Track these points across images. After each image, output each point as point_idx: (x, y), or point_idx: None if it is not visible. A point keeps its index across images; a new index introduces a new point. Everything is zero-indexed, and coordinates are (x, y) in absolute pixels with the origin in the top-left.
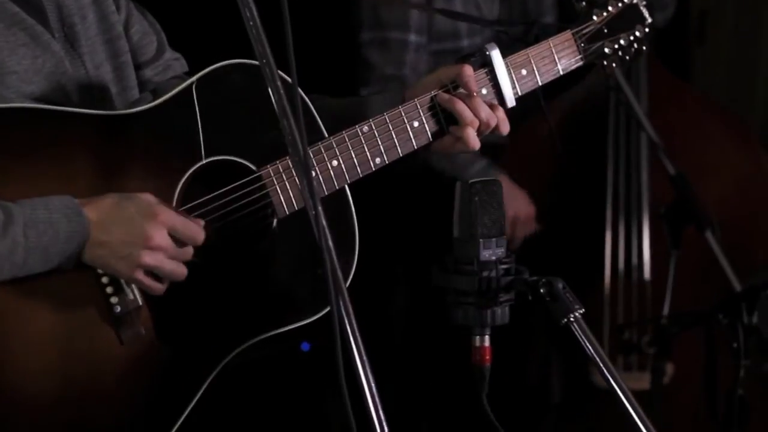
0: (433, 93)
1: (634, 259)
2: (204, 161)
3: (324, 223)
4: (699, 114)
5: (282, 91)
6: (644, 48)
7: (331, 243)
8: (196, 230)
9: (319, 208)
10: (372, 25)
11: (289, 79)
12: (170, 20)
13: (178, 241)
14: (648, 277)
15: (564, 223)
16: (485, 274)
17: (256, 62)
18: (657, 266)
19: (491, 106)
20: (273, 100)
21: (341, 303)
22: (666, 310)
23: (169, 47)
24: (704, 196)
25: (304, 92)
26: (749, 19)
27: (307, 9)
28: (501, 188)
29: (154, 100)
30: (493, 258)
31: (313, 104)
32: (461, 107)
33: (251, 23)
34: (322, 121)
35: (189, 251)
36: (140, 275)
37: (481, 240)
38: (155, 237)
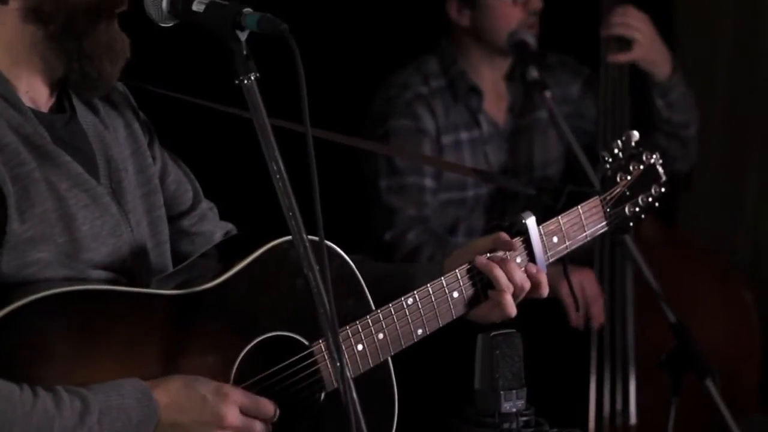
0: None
1: (619, 404)
2: (260, 338)
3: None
4: (685, 260)
5: (308, 244)
6: (657, 205)
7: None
8: (266, 407)
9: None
10: (389, 172)
11: (316, 239)
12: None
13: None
14: (633, 421)
15: (550, 365)
16: (506, 426)
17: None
18: (645, 412)
19: (528, 269)
20: (300, 254)
21: None
22: None
23: (204, 197)
24: None
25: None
26: (734, 165)
27: (328, 161)
28: (521, 340)
29: (200, 262)
30: (514, 410)
31: (355, 265)
32: (498, 272)
33: (278, 176)
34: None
35: (259, 427)
36: None
37: (502, 392)
38: (229, 416)
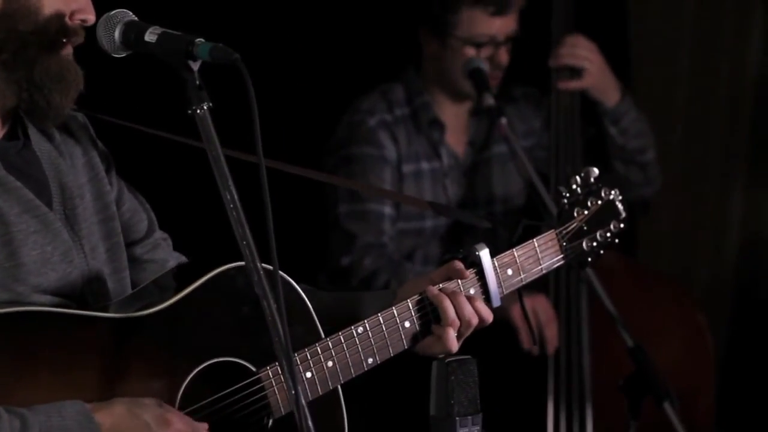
0: (424, 292)
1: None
2: (206, 363)
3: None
4: (641, 284)
5: (261, 273)
6: (616, 241)
7: None
8: None
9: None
10: (349, 198)
11: (270, 267)
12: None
13: None
14: None
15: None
16: None
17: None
18: None
19: (470, 299)
20: (252, 281)
21: None
22: None
23: (160, 228)
24: None
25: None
26: (692, 192)
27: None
28: (476, 367)
29: (155, 290)
30: None
31: (305, 293)
32: (446, 304)
33: (232, 206)
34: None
35: None
36: None
37: (457, 418)
38: None
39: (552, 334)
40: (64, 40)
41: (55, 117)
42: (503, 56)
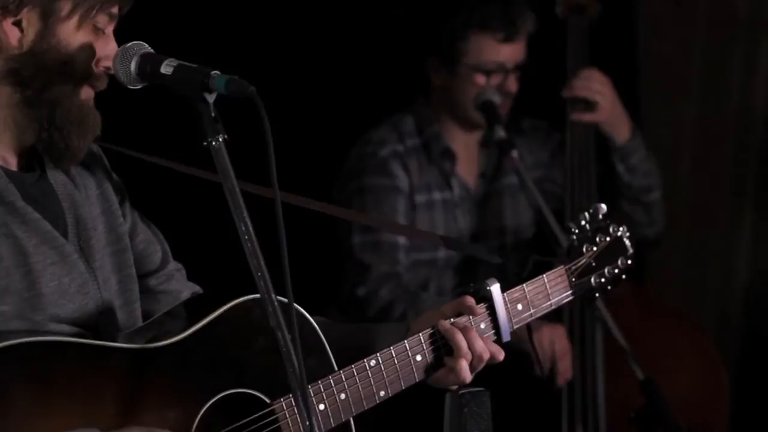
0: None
1: None
2: (221, 394)
3: None
4: (654, 317)
5: (276, 304)
6: (624, 277)
7: None
8: None
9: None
10: (363, 229)
11: (285, 300)
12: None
13: None
14: None
15: (520, 423)
16: None
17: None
18: None
19: (486, 340)
20: (267, 313)
21: None
22: None
23: (174, 259)
24: None
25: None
26: (701, 222)
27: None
28: (489, 399)
29: (168, 319)
30: None
31: (319, 326)
32: (458, 338)
33: (246, 237)
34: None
35: None
36: None
37: None
38: None
39: (566, 366)
40: (88, 85)
41: (71, 158)
42: (512, 84)
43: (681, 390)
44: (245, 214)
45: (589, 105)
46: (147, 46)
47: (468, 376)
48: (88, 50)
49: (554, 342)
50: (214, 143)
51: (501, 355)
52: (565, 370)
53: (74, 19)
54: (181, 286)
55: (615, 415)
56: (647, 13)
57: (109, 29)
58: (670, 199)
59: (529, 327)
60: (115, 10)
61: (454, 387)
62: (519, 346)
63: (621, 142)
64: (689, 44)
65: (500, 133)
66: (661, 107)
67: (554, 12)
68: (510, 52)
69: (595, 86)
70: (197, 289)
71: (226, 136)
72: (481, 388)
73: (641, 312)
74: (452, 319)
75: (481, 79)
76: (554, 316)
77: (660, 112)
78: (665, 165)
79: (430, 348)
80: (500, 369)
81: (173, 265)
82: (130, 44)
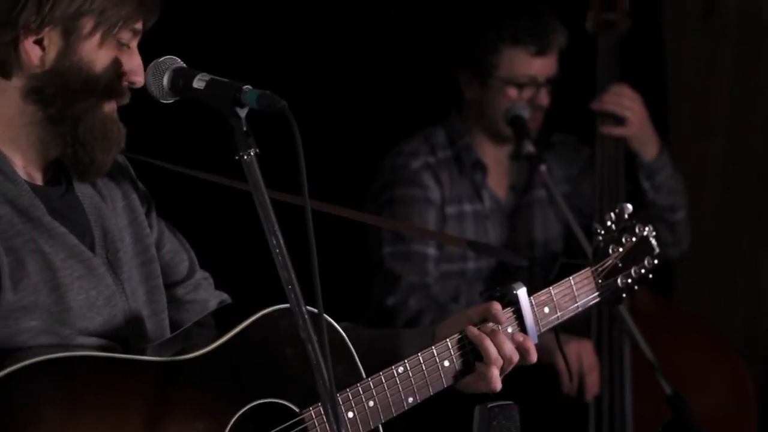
0: (464, 331)
1: None
2: (250, 404)
3: None
4: (682, 331)
5: (307, 317)
6: (650, 277)
7: None
8: None
9: None
10: (393, 240)
11: (314, 310)
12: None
13: None
14: None
15: None
16: None
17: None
18: None
19: (515, 338)
20: (297, 325)
21: None
22: None
23: (201, 268)
24: None
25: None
26: (729, 236)
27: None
28: (518, 412)
29: (197, 330)
30: None
31: (345, 333)
32: (487, 343)
33: (277, 250)
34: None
35: None
36: None
37: None
38: None
39: (593, 381)
40: (111, 100)
41: (96, 173)
42: (544, 98)
43: (709, 404)
44: (276, 227)
45: (619, 119)
46: (179, 60)
47: (498, 383)
48: (112, 66)
49: (582, 357)
50: (245, 157)
51: (533, 353)
52: (593, 384)
53: (96, 37)
54: (208, 295)
55: (642, 430)
56: (674, 28)
57: (134, 44)
58: (697, 213)
59: (557, 333)
60: (138, 25)
61: (483, 393)
62: (546, 359)
63: (648, 159)
64: (717, 61)
65: (529, 147)
66: (689, 125)
67: (584, 27)
68: (542, 66)
69: (625, 102)
70: (225, 297)
71: (257, 150)
72: (510, 402)
73: (669, 326)
74: (479, 325)
75: (513, 93)
76: (582, 330)
77: (687, 130)
78: (693, 178)
79: (458, 353)
80: (527, 382)
81: (200, 274)
82: (162, 59)
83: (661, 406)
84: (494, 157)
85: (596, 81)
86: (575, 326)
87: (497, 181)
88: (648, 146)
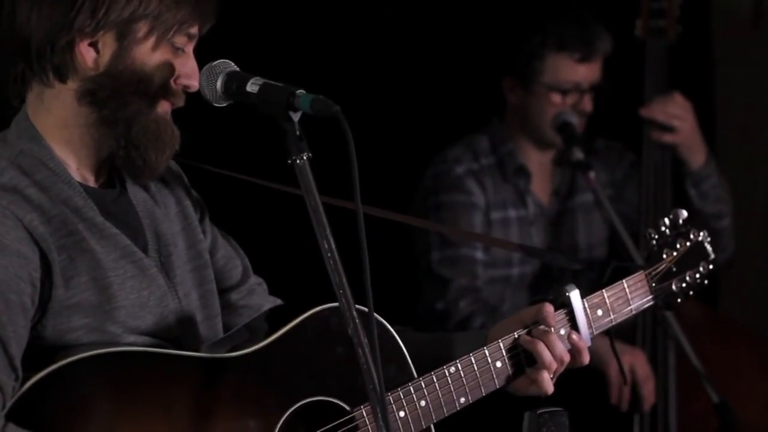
0: (516, 334)
1: None
2: (301, 402)
3: None
4: (729, 340)
5: (358, 321)
6: (706, 283)
7: None
8: None
9: None
10: (441, 245)
11: (365, 309)
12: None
13: None
14: None
15: None
16: None
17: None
18: None
19: (570, 336)
20: (349, 328)
21: None
22: None
23: (254, 273)
24: None
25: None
26: None
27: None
28: (567, 418)
29: (247, 331)
30: None
31: (398, 335)
32: (541, 348)
33: (329, 255)
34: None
35: None
36: None
37: None
38: None
39: (649, 391)
40: (164, 101)
41: (149, 174)
42: (587, 104)
43: (755, 413)
44: (328, 231)
45: (666, 126)
46: (232, 64)
47: (550, 387)
48: (166, 69)
49: (635, 367)
50: (298, 161)
51: (585, 356)
52: (648, 395)
53: (151, 40)
54: (262, 301)
55: None
56: (723, 34)
57: (189, 48)
58: (745, 222)
59: (611, 337)
60: (194, 30)
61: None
62: (596, 365)
63: (695, 167)
64: (766, 66)
65: (578, 154)
66: (737, 132)
67: (633, 33)
68: (586, 72)
69: (674, 110)
70: (279, 302)
71: (310, 154)
72: (560, 408)
73: (715, 335)
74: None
75: (557, 98)
76: (627, 339)
77: (735, 137)
78: (740, 187)
79: (511, 355)
80: (576, 390)
81: (254, 279)
82: (216, 62)
83: (707, 414)
84: (537, 163)
85: (644, 87)
86: (619, 334)
87: (541, 187)
88: (696, 154)
